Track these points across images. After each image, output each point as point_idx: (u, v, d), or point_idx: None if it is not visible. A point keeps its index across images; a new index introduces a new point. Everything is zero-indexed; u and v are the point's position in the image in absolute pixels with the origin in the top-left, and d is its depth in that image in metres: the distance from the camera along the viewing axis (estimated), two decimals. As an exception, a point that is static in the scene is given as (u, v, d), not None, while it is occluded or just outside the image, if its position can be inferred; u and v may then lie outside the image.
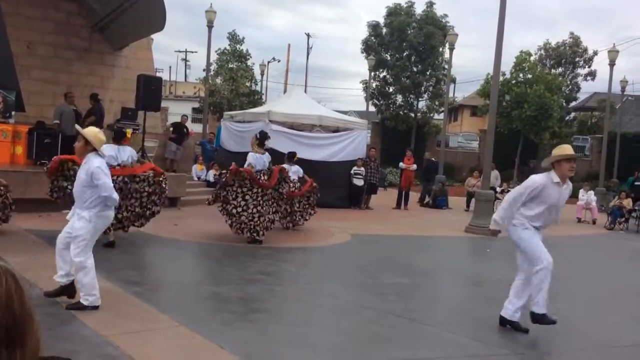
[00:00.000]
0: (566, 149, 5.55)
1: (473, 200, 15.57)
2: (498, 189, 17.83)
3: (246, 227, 8.98)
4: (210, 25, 20.70)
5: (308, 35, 46.44)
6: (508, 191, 15.51)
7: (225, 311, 5.56)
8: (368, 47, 32.19)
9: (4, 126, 12.92)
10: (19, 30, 14.60)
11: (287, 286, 7.01)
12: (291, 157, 11.56)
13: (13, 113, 13.60)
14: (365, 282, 7.57)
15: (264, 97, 38.05)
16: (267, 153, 9.57)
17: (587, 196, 18.34)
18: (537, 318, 5.42)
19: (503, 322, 5.63)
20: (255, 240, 9.07)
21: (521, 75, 27.22)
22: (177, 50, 77.32)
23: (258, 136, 9.70)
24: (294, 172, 11.22)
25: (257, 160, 9.30)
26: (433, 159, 21.45)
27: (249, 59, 34.37)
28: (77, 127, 5.63)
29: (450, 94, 34.27)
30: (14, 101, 13.75)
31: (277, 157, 11.47)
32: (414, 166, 18.36)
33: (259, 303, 5.99)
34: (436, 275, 8.67)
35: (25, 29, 14.67)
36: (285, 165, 10.59)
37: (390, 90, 33.00)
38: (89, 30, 15.67)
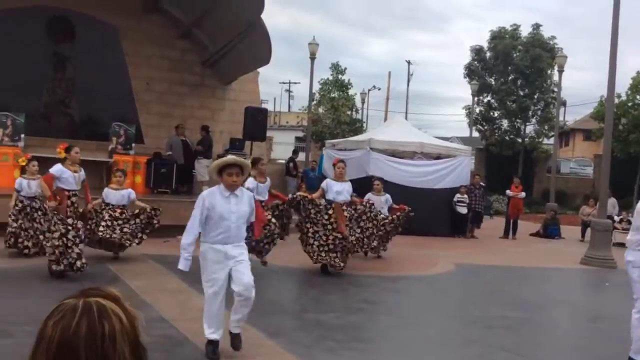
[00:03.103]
0: None
1: (588, 230, 14.66)
2: (616, 218, 16.69)
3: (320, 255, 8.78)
4: (312, 57, 21.29)
5: (409, 63, 46.35)
6: (627, 220, 14.52)
7: (329, 339, 5.59)
8: (471, 72, 31.63)
9: (125, 157, 13.98)
10: (138, 69, 15.79)
11: (390, 315, 6.93)
12: (378, 188, 11.19)
13: (133, 145, 14.71)
14: (471, 314, 7.32)
15: (365, 125, 38.30)
16: (349, 182, 9.14)
17: None
18: None
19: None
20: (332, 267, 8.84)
21: (638, 97, 25.52)
22: (281, 81, 80.00)
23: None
24: (384, 202, 10.84)
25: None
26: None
27: (350, 88, 34.86)
28: (239, 158, 5.07)
29: (561, 118, 32.73)
30: (134, 134, 14.90)
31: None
32: (522, 194, 17.65)
33: (362, 332, 5.97)
34: (548, 310, 8.21)
35: (144, 66, 15.83)
36: (371, 195, 10.47)
37: (495, 115, 32.11)
38: (201, 66, 16.63)
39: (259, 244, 8.01)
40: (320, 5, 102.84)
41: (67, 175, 7.34)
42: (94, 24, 15.05)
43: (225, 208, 4.73)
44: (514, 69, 30.59)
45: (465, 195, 16.08)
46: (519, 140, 31.40)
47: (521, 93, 30.96)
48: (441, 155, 16.64)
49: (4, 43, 14.04)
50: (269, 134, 20.07)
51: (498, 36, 31.12)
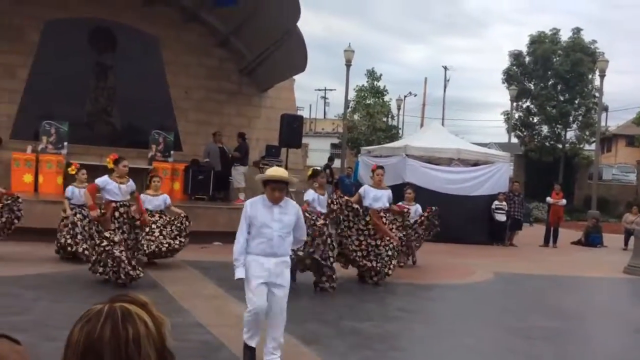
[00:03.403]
0: None
1: (632, 238, 14.23)
2: (661, 226, 16.14)
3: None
4: (348, 64, 21.33)
5: (445, 68, 45.96)
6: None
7: (366, 347, 5.55)
8: (510, 77, 31.18)
9: (164, 164, 14.24)
10: (177, 77, 16.08)
11: (427, 324, 6.86)
12: (410, 197, 10.92)
13: (172, 152, 14.97)
14: (510, 323, 7.18)
15: (400, 131, 38.13)
16: (389, 189, 9.02)
17: None
18: None
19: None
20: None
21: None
22: (317, 88, 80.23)
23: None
24: (413, 212, 10.48)
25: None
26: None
27: (386, 94, 34.77)
28: (285, 174, 4.83)
29: (603, 123, 31.96)
30: (173, 141, 15.17)
31: (416, 192, 11.40)
32: (563, 201, 17.27)
33: (399, 341, 5.92)
34: (590, 320, 8.00)
35: (182, 75, 16.11)
36: (403, 205, 10.17)
37: (535, 120, 31.56)
38: (238, 74, 16.83)
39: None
40: (356, 12, 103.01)
41: (112, 187, 7.42)
42: (135, 35, 15.41)
43: (268, 217, 4.65)
44: (554, 74, 30.05)
45: (504, 203, 15.82)
46: (560, 146, 30.79)
47: (561, 98, 30.38)
48: (479, 161, 16.42)
49: (49, 54, 14.51)
50: (304, 140, 20.15)
51: (537, 40, 30.62)
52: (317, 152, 37.16)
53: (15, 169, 12.58)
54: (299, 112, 23.63)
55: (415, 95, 44.85)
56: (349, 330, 6.31)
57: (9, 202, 8.64)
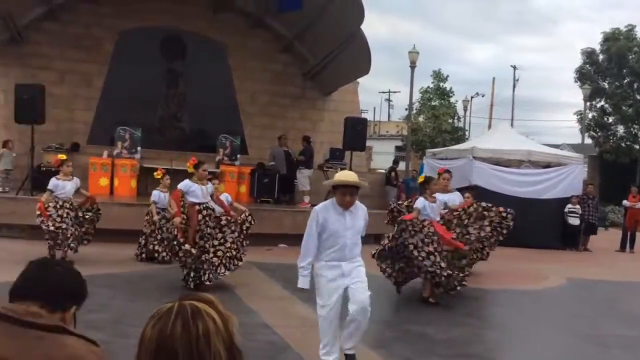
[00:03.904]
0: None
1: None
2: None
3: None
4: (412, 66, 21.14)
5: (514, 68, 44.69)
6: None
7: (433, 353, 5.47)
8: (582, 76, 29.96)
9: (231, 168, 14.57)
10: (243, 82, 16.43)
11: (496, 331, 6.68)
12: (469, 202, 10.49)
13: (238, 156, 15.29)
14: (583, 331, 6.87)
15: (467, 133, 37.38)
16: (456, 192, 8.73)
17: None
18: None
19: None
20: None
21: None
22: (381, 91, 79.92)
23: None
24: (451, 200, 10.23)
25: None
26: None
27: (452, 95, 34.18)
28: (356, 178, 4.62)
29: (684, 122, 30.16)
30: (239, 145, 15.50)
31: (484, 194, 11.11)
32: (641, 204, 16.39)
33: (466, 347, 5.79)
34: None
35: (248, 80, 16.45)
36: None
37: (610, 120, 30.18)
38: (301, 78, 17.01)
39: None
40: (421, 12, 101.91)
41: (195, 189, 7.56)
42: (203, 42, 15.89)
43: (340, 224, 4.48)
44: (630, 72, 28.68)
45: (578, 206, 15.21)
46: (636, 147, 29.31)
47: (638, 97, 28.93)
48: (551, 163, 15.87)
49: (123, 62, 15.18)
50: (368, 143, 20.10)
51: (611, 38, 29.31)
52: (381, 155, 36.98)
53: (92, 172, 13.18)
54: (363, 115, 23.56)
55: (483, 96, 43.79)
56: (414, 334, 6.23)
57: (91, 213, 9.04)
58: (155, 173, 9.55)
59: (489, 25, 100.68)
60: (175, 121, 16.04)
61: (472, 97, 41.77)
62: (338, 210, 4.52)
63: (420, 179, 7.93)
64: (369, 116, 45.23)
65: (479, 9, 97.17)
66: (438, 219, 7.61)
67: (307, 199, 14.25)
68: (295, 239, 11.24)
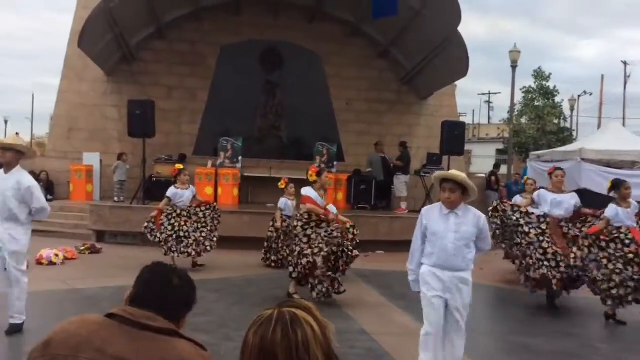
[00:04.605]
0: None
1: None
2: None
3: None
4: (514, 65, 20.38)
5: (625, 63, 41.87)
6: None
7: (537, 365, 5.24)
8: None
9: (328, 175, 14.71)
10: (339, 90, 16.62)
11: (608, 344, 6.27)
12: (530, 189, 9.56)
13: (335, 163, 15.46)
14: None
15: (574, 133, 35.45)
16: (572, 193, 8.13)
17: None
18: None
19: None
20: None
21: None
22: (480, 92, 77.78)
23: None
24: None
25: None
26: None
27: (556, 95, 32.57)
28: (455, 173, 4.42)
29: None
30: (336, 152, 15.67)
31: (592, 198, 10.51)
32: None
33: (573, 359, 5.49)
34: None
35: (344, 88, 16.62)
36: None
37: None
38: (397, 83, 16.93)
39: None
40: (520, 10, 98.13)
41: (315, 196, 7.43)
42: (299, 52, 16.27)
43: (442, 225, 4.28)
44: None
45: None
46: None
47: None
48: (670, 164, 14.71)
49: (224, 76, 15.88)
50: (467, 147, 19.64)
51: None
52: (482, 159, 35.94)
53: (198, 182, 13.83)
54: (461, 118, 23.07)
55: (591, 94, 41.42)
56: (519, 345, 5.99)
57: (209, 209, 9.35)
58: (279, 183, 9.68)
59: (596, 20, 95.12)
60: (274, 130, 16.53)
61: (579, 96, 39.61)
62: (444, 211, 4.32)
63: (609, 185, 7.27)
64: (468, 119, 44.20)
65: (583, 3, 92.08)
66: (635, 225, 7.01)
67: (404, 205, 14.13)
68: (392, 246, 11.33)
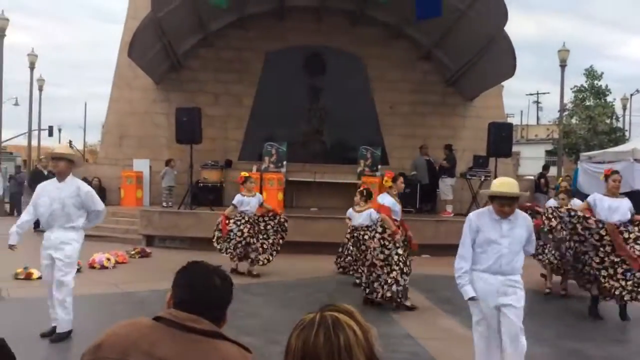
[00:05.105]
0: None
1: None
2: None
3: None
4: (563, 65, 19.90)
5: (682, 59, 40.17)
6: None
7: (588, 372, 5.10)
8: None
9: (372, 179, 14.70)
10: (382, 93, 16.58)
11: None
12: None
13: (379, 166, 15.41)
14: None
15: (627, 133, 34.25)
16: (626, 197, 7.49)
17: None
18: None
19: None
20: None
21: None
22: (528, 93, 75.91)
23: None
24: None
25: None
26: None
27: (608, 94, 31.58)
28: (512, 190, 4.20)
29: None
30: (380, 156, 15.62)
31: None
32: None
33: (628, 367, 5.33)
34: None
35: (388, 91, 16.56)
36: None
37: None
38: (442, 85, 16.75)
39: None
40: (569, 7, 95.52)
41: (392, 203, 7.39)
42: (342, 56, 16.34)
43: (495, 231, 4.20)
44: None
45: None
46: None
47: None
48: None
49: (269, 81, 16.09)
50: (515, 149, 19.28)
51: None
52: (530, 160, 35.12)
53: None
54: (509, 119, 22.60)
55: (644, 92, 39.90)
56: (567, 351, 5.86)
57: (275, 220, 9.32)
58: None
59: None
60: (318, 135, 16.64)
61: (631, 95, 38.24)
62: (494, 217, 4.24)
63: None
64: (515, 120, 43.22)
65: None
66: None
67: (449, 208, 13.97)
68: (437, 249, 11.22)
